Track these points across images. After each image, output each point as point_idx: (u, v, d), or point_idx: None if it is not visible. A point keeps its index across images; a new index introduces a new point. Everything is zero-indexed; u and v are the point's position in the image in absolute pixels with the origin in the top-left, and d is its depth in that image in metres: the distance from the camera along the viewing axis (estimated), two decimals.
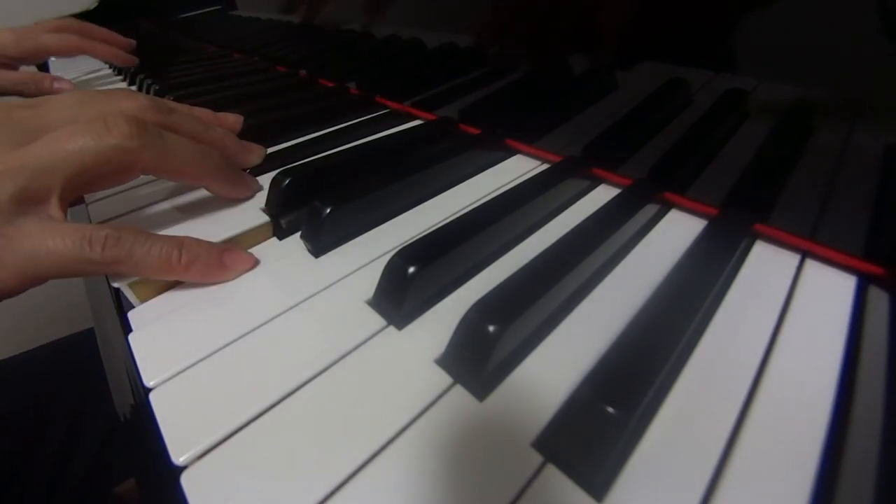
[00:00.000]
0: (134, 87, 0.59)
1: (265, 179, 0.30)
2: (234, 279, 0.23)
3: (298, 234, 0.26)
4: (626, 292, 0.21)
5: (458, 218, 0.24)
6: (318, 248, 0.24)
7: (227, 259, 0.23)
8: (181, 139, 0.25)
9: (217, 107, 0.37)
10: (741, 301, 0.20)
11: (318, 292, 0.22)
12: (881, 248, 0.20)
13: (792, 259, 0.22)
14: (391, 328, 0.20)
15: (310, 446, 0.15)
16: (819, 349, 0.18)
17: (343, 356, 0.18)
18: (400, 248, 0.21)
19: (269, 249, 0.26)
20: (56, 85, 0.51)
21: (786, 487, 0.14)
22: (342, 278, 0.23)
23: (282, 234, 0.27)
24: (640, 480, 0.14)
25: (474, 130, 0.37)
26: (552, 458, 0.15)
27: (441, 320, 0.20)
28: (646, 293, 0.20)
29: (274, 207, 0.28)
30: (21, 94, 0.51)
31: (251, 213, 0.28)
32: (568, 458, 0.14)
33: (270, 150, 0.35)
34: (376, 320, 0.20)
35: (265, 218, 0.27)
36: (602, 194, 0.29)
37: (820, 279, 0.21)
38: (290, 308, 0.21)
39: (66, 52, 0.56)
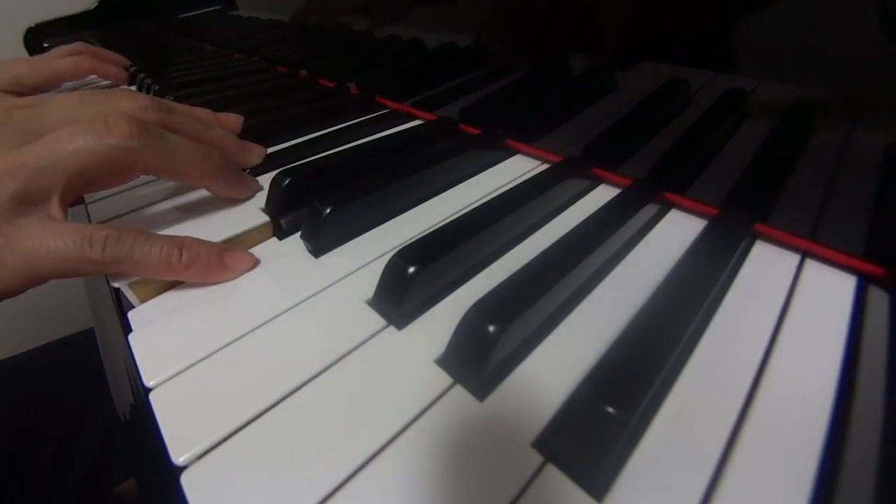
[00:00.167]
0: (134, 87, 0.59)
1: (265, 179, 0.30)
2: (234, 279, 0.23)
3: (298, 234, 0.26)
4: (626, 292, 0.21)
5: (458, 218, 0.24)
6: (318, 248, 0.25)
7: (227, 259, 0.23)
8: (181, 139, 0.25)
9: (217, 107, 0.37)
10: (741, 301, 0.20)
11: (318, 292, 0.22)
12: (881, 248, 0.20)
13: (792, 259, 0.22)
14: (391, 328, 0.20)
15: (310, 446, 0.15)
16: (819, 349, 0.18)
17: (343, 356, 0.18)
18: (400, 248, 0.21)
19: (269, 249, 0.26)
20: None
21: (786, 487, 0.14)
22: (342, 278, 0.23)
23: (282, 234, 0.27)
24: (640, 480, 0.14)
25: (474, 130, 0.37)
26: (552, 458, 0.15)
27: (441, 320, 0.20)
28: (646, 293, 0.20)
29: (274, 207, 0.28)
30: None
31: (251, 213, 0.28)
32: (568, 458, 0.14)
33: (270, 150, 0.35)
34: (376, 320, 0.20)
35: (265, 218, 0.27)
36: (602, 194, 0.29)
37: (820, 279, 0.21)
38: (290, 308, 0.21)
39: (78, 75, 0.58)
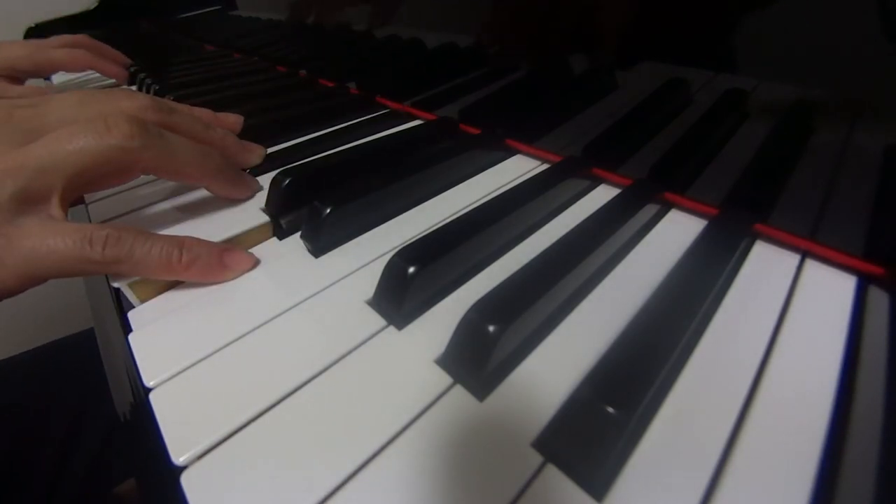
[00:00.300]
0: (134, 87, 0.59)
1: (265, 179, 0.30)
2: (234, 279, 0.23)
3: (298, 234, 0.26)
4: (627, 292, 0.21)
5: (458, 218, 0.24)
6: (318, 248, 0.25)
7: (227, 259, 0.23)
8: (182, 139, 0.25)
9: (217, 107, 0.37)
10: (741, 301, 0.20)
11: (318, 292, 0.22)
12: (881, 248, 0.20)
13: (792, 259, 0.22)
14: (391, 328, 0.20)
15: (310, 446, 0.15)
16: (819, 349, 0.18)
17: (343, 356, 0.18)
18: (400, 248, 0.21)
19: (270, 249, 0.26)
20: None
21: (786, 487, 0.14)
22: (342, 278, 0.23)
23: (282, 234, 0.27)
24: (640, 480, 0.14)
25: (474, 130, 0.37)
26: (552, 458, 0.15)
27: (441, 320, 0.20)
28: (646, 293, 0.20)
29: (274, 207, 0.28)
30: None
31: (251, 213, 0.28)
32: (568, 458, 0.14)
33: (270, 150, 0.35)
34: (376, 320, 0.20)
35: (265, 218, 0.27)
36: (602, 194, 0.29)
37: (820, 279, 0.21)
38: (290, 308, 0.21)
39: (75, 68, 0.57)
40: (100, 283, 0.26)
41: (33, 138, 0.22)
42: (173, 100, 0.40)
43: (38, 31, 0.87)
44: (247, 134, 0.35)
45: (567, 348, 0.18)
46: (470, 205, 0.28)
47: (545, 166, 0.32)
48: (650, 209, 0.26)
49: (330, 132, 0.39)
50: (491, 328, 0.16)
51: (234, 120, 0.36)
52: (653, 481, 0.14)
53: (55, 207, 0.21)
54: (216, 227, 0.26)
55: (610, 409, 0.14)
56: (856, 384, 0.16)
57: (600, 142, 0.30)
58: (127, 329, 0.21)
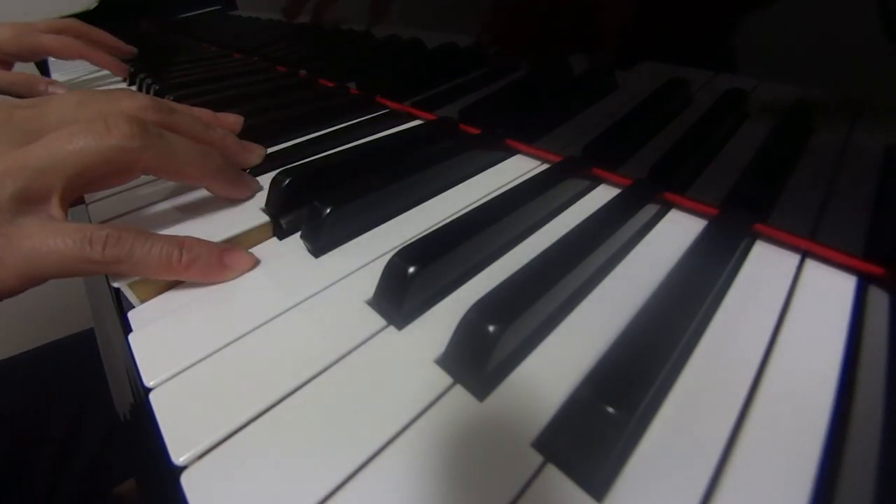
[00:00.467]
0: (134, 87, 0.59)
1: (265, 179, 0.30)
2: (234, 279, 0.23)
3: (298, 234, 0.26)
4: (626, 292, 0.21)
5: (458, 218, 0.24)
6: (318, 247, 0.25)
7: (227, 259, 0.23)
8: (182, 139, 0.25)
9: (217, 107, 0.37)
10: (741, 301, 0.20)
11: (318, 292, 0.22)
12: (881, 248, 0.20)
13: (792, 259, 0.22)
14: (391, 328, 0.20)
15: (310, 446, 0.15)
16: (819, 349, 0.18)
17: (343, 356, 0.18)
18: (400, 248, 0.21)
19: (270, 249, 0.26)
20: (50, 89, 0.51)
21: (786, 487, 0.14)
22: (342, 278, 0.23)
23: (282, 234, 0.27)
24: (640, 480, 0.14)
25: (474, 130, 0.37)
26: (552, 458, 0.15)
27: (441, 320, 0.20)
28: (646, 293, 0.20)
29: (274, 207, 0.28)
30: (14, 94, 0.50)
31: (251, 213, 0.28)
32: (568, 458, 0.14)
33: (270, 150, 0.35)
34: (376, 320, 0.20)
35: (265, 218, 0.27)
36: (602, 194, 0.29)
37: (820, 279, 0.21)
38: (291, 308, 0.21)
39: (66, 56, 0.56)
40: (100, 283, 0.26)
41: (33, 138, 0.22)
42: (173, 100, 0.40)
43: None
44: (247, 134, 0.35)
45: (567, 348, 0.18)
46: (470, 205, 0.28)
47: (545, 166, 0.32)
48: (650, 209, 0.26)
49: (330, 132, 0.39)
50: (491, 328, 0.16)
51: (234, 120, 0.36)
52: (653, 481, 0.14)
53: (55, 207, 0.21)
54: (216, 227, 0.26)
55: (610, 409, 0.14)
56: (856, 384, 0.16)
57: (600, 142, 0.30)
58: (127, 329, 0.21)
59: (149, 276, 0.21)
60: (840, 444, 0.14)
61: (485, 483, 0.14)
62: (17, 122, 0.23)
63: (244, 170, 0.31)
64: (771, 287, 0.21)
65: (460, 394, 0.17)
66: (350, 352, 0.19)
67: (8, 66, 0.54)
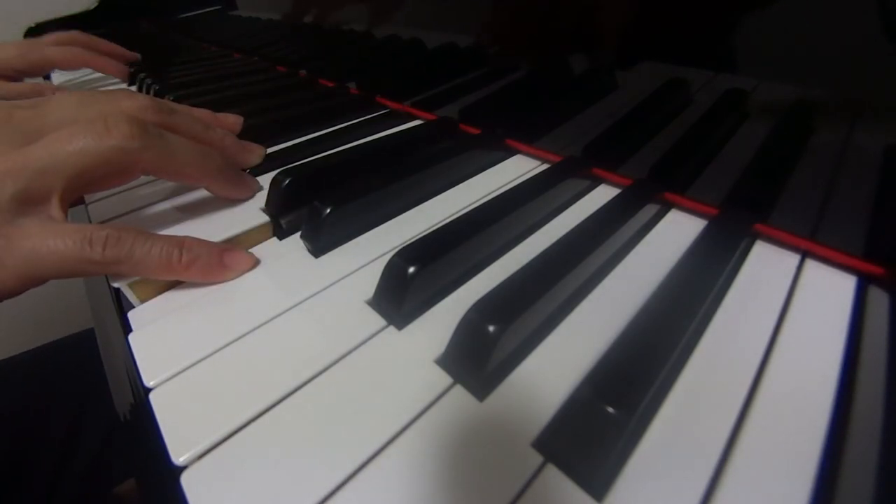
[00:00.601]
0: (134, 88, 0.59)
1: (265, 179, 0.30)
2: (234, 279, 0.23)
3: (298, 234, 0.26)
4: (626, 292, 0.21)
5: (458, 218, 0.24)
6: (318, 247, 0.25)
7: (227, 259, 0.23)
8: (182, 140, 0.25)
9: (217, 107, 0.37)
10: (741, 301, 0.20)
11: (318, 292, 0.22)
12: (881, 248, 0.20)
13: (792, 259, 0.22)
14: (391, 328, 0.20)
15: (310, 446, 0.15)
16: (819, 349, 0.18)
17: (343, 356, 0.18)
18: (400, 248, 0.21)
19: (270, 249, 0.26)
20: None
21: (786, 487, 0.14)
22: (342, 278, 0.23)
23: (282, 234, 0.27)
24: (640, 480, 0.14)
25: (474, 130, 0.37)
26: (552, 458, 0.15)
27: (441, 320, 0.20)
28: (646, 293, 0.20)
29: (274, 207, 0.28)
30: None
31: (251, 213, 0.28)
32: (568, 458, 0.14)
33: (270, 150, 0.35)
34: (376, 320, 0.20)
35: (265, 218, 0.27)
36: (602, 194, 0.29)
37: (820, 279, 0.21)
38: (291, 308, 0.21)
39: (71, 66, 0.57)
40: (100, 283, 0.26)
41: (33, 139, 0.22)
42: (173, 100, 0.40)
43: (38, 31, 0.87)
44: (247, 134, 0.35)
45: (567, 348, 0.18)
46: (470, 205, 0.28)
47: (545, 166, 0.32)
48: (650, 209, 0.26)
49: (330, 132, 0.39)
50: (491, 328, 0.16)
51: (234, 120, 0.36)
52: (653, 481, 0.14)
53: (55, 208, 0.21)
54: (216, 227, 0.26)
55: (610, 409, 0.14)
56: (856, 384, 0.16)
57: (600, 142, 0.30)
58: (127, 329, 0.21)
59: (149, 276, 0.21)
60: (840, 444, 0.14)
61: (485, 483, 0.14)
62: (17, 122, 0.23)
63: (244, 170, 0.32)
64: (771, 287, 0.21)
65: (460, 394, 0.17)
66: (350, 352, 0.19)
67: (17, 81, 0.55)
